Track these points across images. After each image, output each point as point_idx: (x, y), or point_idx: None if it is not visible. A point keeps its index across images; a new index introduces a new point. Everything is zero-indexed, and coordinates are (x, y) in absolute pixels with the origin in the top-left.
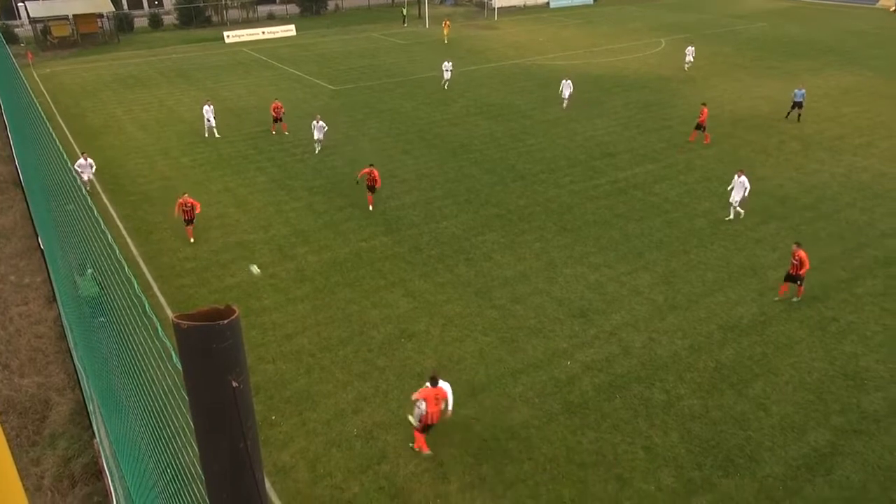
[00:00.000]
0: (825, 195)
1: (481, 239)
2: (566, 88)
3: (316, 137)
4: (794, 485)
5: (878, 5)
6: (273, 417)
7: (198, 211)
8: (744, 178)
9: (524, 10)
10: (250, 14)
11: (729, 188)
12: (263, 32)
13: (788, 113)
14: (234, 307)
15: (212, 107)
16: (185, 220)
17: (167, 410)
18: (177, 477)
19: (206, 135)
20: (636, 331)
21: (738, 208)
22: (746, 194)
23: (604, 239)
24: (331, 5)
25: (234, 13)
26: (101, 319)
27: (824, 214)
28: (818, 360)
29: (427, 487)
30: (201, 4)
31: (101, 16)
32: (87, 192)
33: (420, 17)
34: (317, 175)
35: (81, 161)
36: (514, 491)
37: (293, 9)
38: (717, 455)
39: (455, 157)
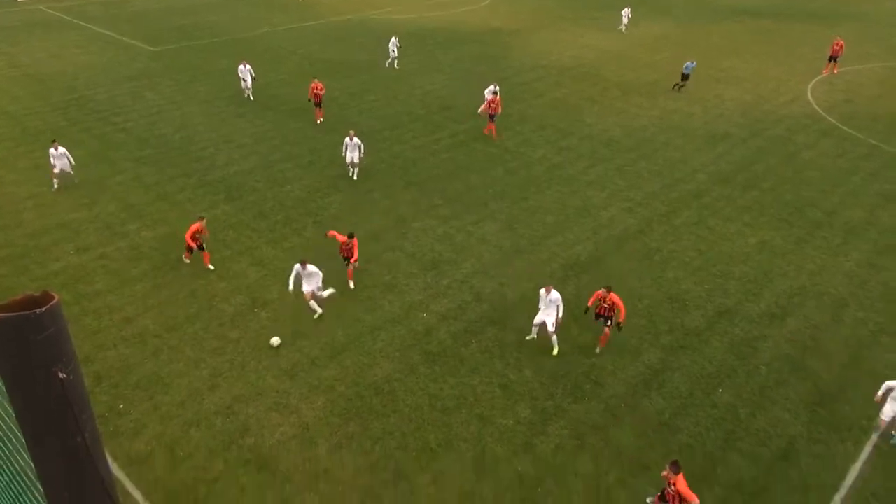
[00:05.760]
0: (644, 137)
1: (328, 200)
2: (393, 47)
3: (349, 160)
4: (633, 401)
5: None
6: (121, 406)
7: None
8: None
9: None
10: None
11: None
12: None
13: (676, 84)
14: (53, 293)
15: (248, 66)
16: (195, 246)
17: None
18: (14, 483)
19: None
20: (486, 277)
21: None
22: None
23: (449, 191)
24: None
25: None
26: None
27: (645, 155)
28: (647, 288)
29: (294, 454)
30: None
31: None
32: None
33: None
34: (143, 144)
35: (52, 151)
36: (382, 444)
37: None
38: (566, 384)
39: (293, 118)
